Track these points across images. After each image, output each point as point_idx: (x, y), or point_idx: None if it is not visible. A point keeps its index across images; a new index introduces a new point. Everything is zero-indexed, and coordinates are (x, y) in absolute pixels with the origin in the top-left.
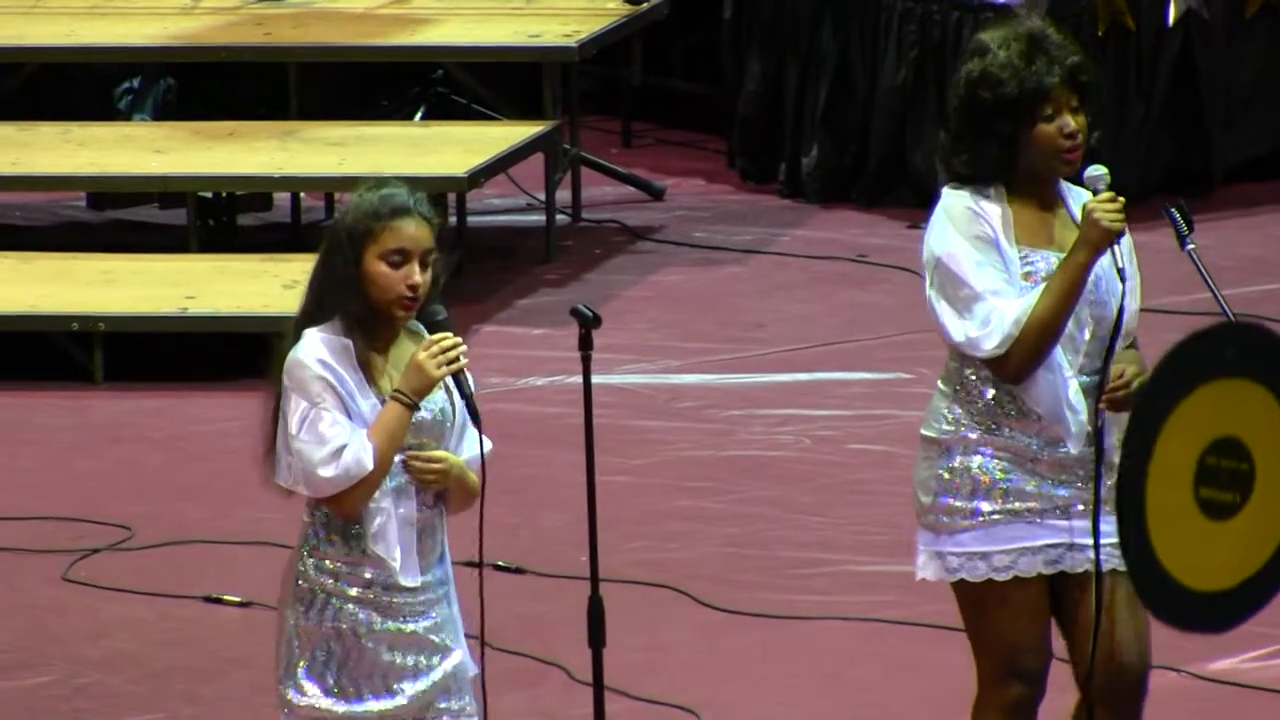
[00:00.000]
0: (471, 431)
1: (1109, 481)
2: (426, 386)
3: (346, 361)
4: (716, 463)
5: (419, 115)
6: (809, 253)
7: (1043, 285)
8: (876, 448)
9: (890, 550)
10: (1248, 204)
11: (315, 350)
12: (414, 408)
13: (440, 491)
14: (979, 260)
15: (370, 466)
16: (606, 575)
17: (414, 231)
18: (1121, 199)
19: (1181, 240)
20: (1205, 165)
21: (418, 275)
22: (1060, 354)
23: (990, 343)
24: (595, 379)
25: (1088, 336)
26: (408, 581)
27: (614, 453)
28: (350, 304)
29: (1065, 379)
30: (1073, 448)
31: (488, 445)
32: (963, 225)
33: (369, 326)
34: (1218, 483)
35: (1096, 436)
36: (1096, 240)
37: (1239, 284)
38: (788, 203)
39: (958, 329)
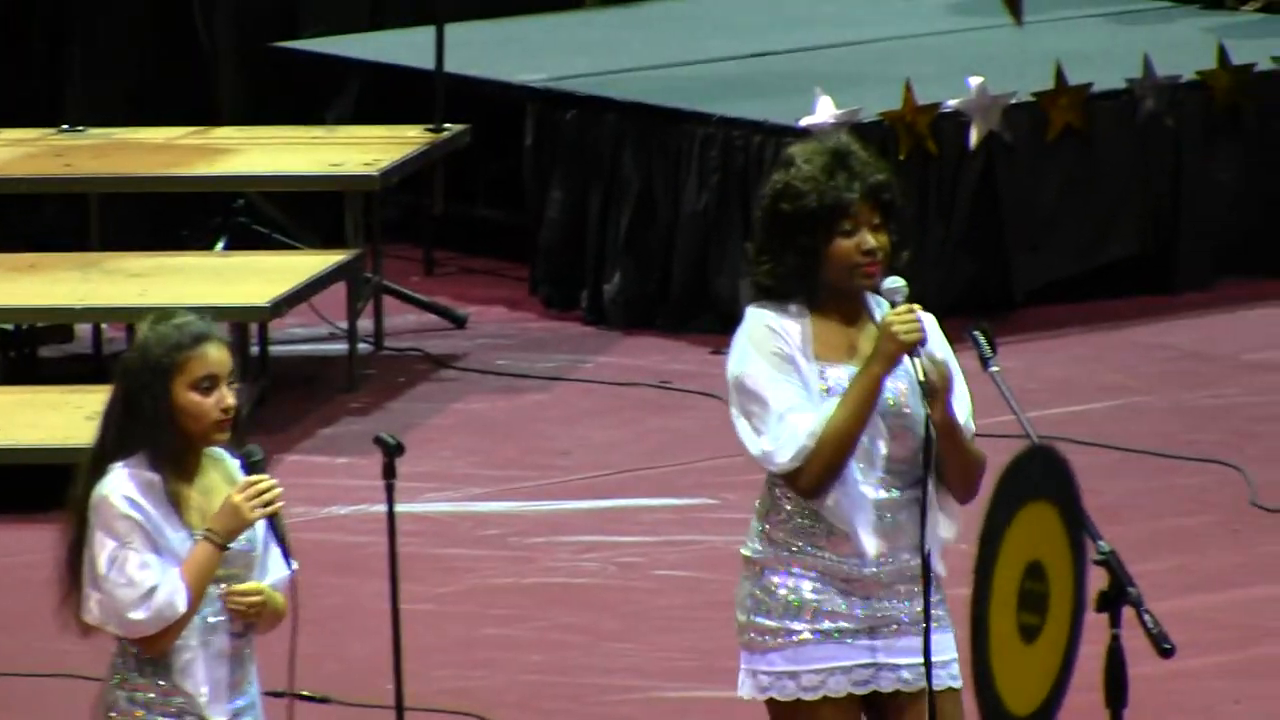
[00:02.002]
0: (275, 552)
1: (935, 597)
2: (240, 528)
3: (155, 497)
4: (522, 590)
5: (221, 245)
6: (613, 379)
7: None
8: (682, 573)
9: (698, 676)
10: (1052, 326)
11: (122, 487)
12: (224, 548)
13: (251, 620)
14: (775, 377)
15: (183, 609)
16: (412, 704)
17: (217, 355)
18: (918, 307)
19: (985, 362)
20: (1006, 287)
21: (229, 398)
22: (854, 468)
23: (784, 455)
24: (399, 507)
25: (883, 450)
26: (216, 715)
27: (419, 581)
28: (163, 439)
29: (860, 493)
30: (865, 566)
31: (294, 566)
32: (761, 343)
33: (179, 459)
34: (1029, 606)
35: (923, 553)
36: (891, 353)
37: (1044, 406)
38: (591, 329)
39: (755, 444)
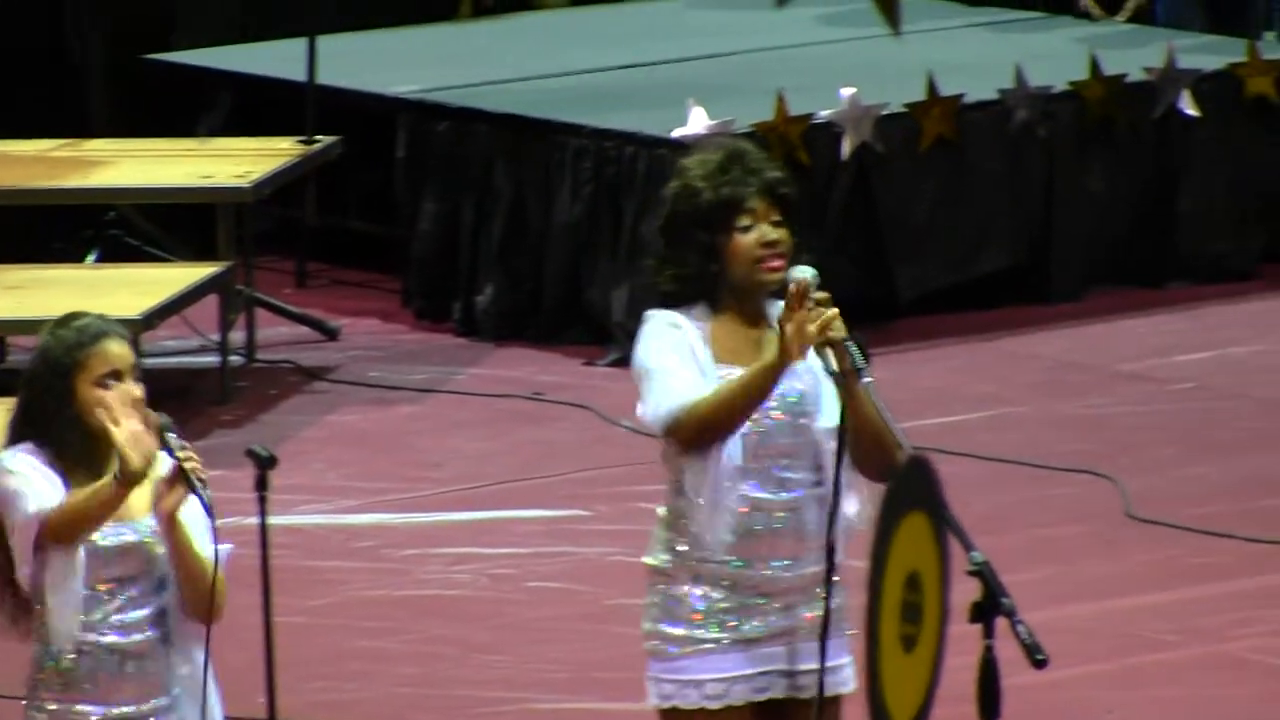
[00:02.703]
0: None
1: (835, 603)
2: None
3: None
4: (394, 602)
5: (93, 257)
6: (485, 391)
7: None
8: (554, 585)
9: (571, 687)
10: (925, 336)
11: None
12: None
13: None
14: (668, 352)
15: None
16: (285, 717)
17: (118, 350)
18: (829, 296)
19: (858, 373)
20: (881, 297)
21: (135, 390)
22: (746, 468)
23: (665, 408)
24: (272, 519)
25: (784, 449)
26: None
27: (291, 593)
28: (70, 438)
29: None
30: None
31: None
32: (662, 334)
33: (89, 457)
34: (908, 617)
35: (829, 555)
36: (797, 350)
37: (917, 416)
38: (463, 341)
39: (642, 410)
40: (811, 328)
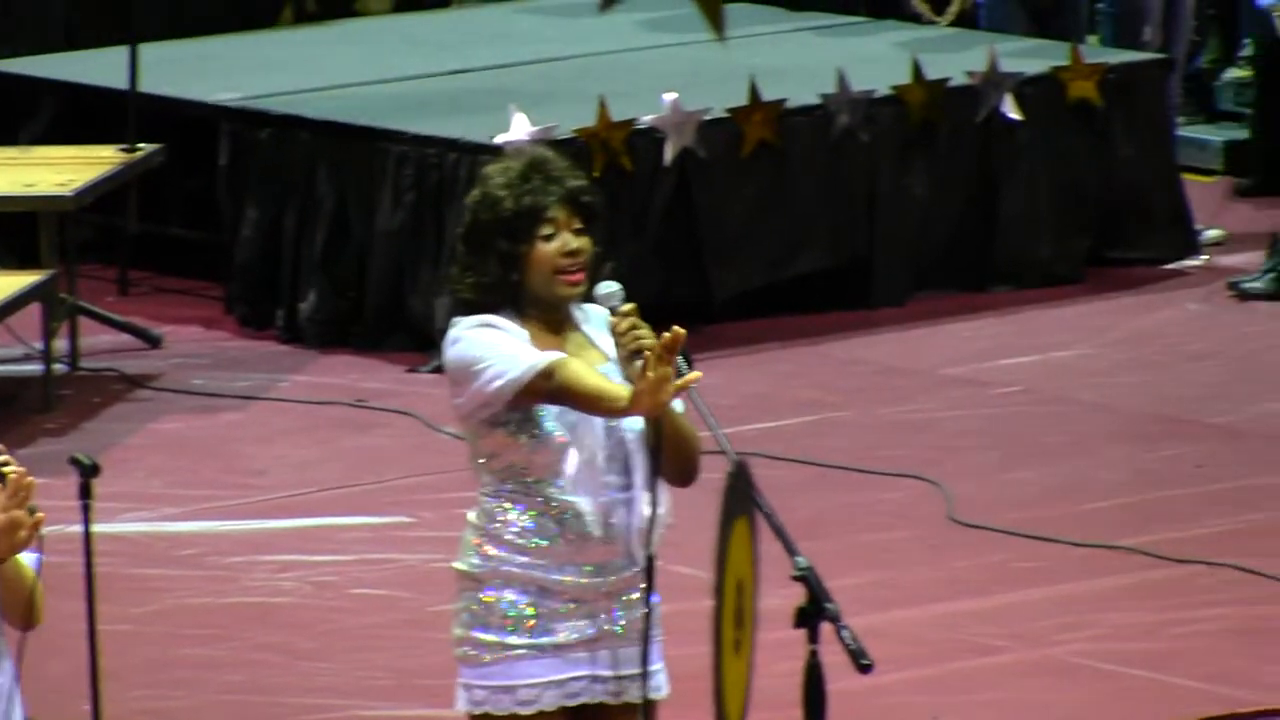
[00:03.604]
0: None
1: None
2: None
3: None
4: (219, 609)
5: None
6: (309, 398)
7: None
8: (379, 592)
9: (396, 694)
10: (749, 341)
11: None
12: None
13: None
14: (508, 337)
15: None
16: None
17: None
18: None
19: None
20: (701, 300)
21: None
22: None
23: (524, 365)
24: (95, 527)
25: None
26: None
27: (115, 601)
28: None
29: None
30: (585, 576)
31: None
32: (483, 330)
33: None
34: (738, 621)
35: (648, 565)
36: (649, 407)
37: (741, 421)
38: (286, 348)
39: (486, 385)
40: (668, 390)
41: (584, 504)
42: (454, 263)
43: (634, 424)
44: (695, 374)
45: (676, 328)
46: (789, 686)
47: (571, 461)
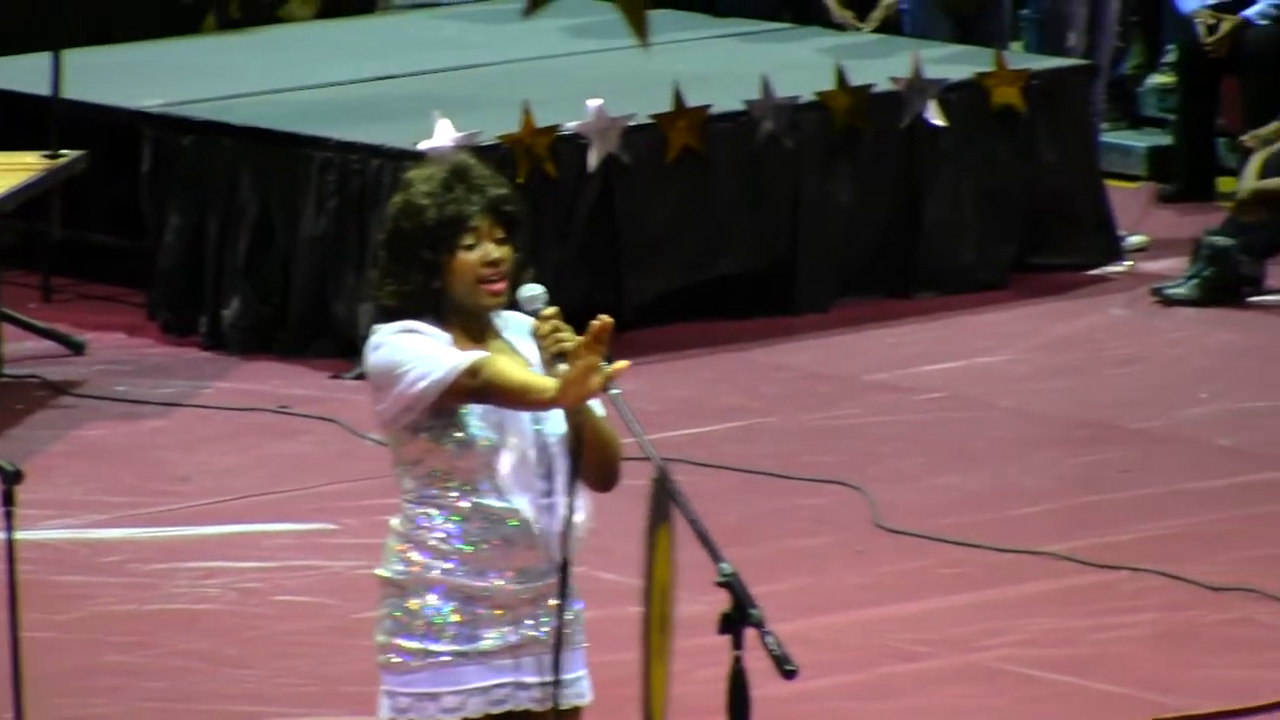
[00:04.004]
0: None
1: (570, 615)
2: None
3: None
4: (142, 616)
5: None
6: (232, 404)
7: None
8: (303, 599)
9: (320, 701)
10: (674, 347)
11: None
12: None
13: None
14: (431, 341)
15: None
16: None
17: None
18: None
19: (605, 388)
20: (618, 304)
21: None
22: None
23: (447, 365)
24: (18, 535)
25: (532, 456)
26: None
27: (38, 608)
28: None
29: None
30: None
31: None
32: (405, 336)
33: None
34: (663, 628)
35: (563, 571)
36: (577, 397)
37: (666, 428)
38: (210, 355)
39: (411, 387)
40: (596, 379)
41: (520, 503)
42: (376, 270)
43: (556, 428)
44: (622, 363)
45: (604, 316)
46: (713, 693)
47: (504, 462)
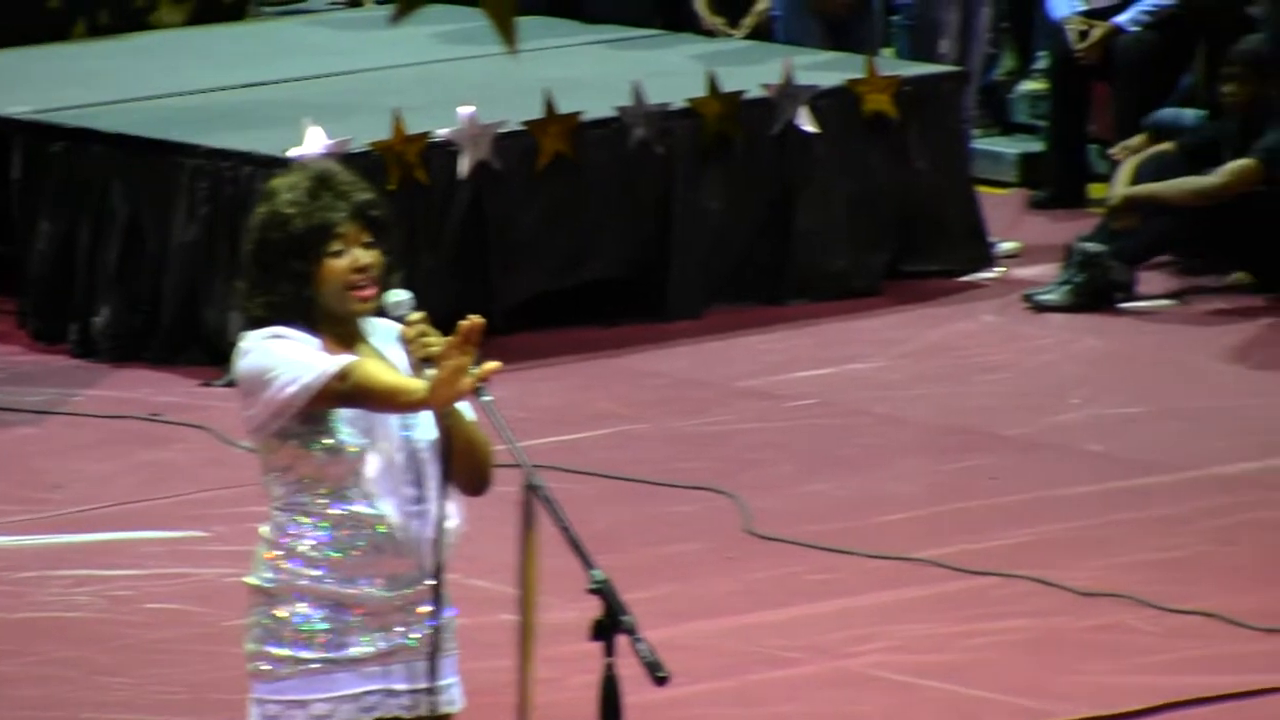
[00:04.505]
0: None
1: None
2: None
3: None
4: (12, 625)
5: None
6: (103, 412)
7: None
8: (174, 606)
9: (190, 708)
10: (545, 354)
11: None
12: None
13: None
14: (300, 346)
15: None
16: None
17: None
18: (426, 316)
19: (477, 391)
20: (489, 310)
21: None
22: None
23: (317, 370)
24: None
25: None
26: None
27: None
28: None
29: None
30: (379, 590)
31: None
32: (273, 341)
33: None
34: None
35: (436, 577)
36: (447, 398)
37: (537, 435)
38: (80, 362)
39: (281, 392)
40: (467, 380)
41: (387, 508)
42: (244, 281)
43: (426, 434)
44: (493, 364)
45: (474, 317)
46: (586, 699)
47: (371, 466)
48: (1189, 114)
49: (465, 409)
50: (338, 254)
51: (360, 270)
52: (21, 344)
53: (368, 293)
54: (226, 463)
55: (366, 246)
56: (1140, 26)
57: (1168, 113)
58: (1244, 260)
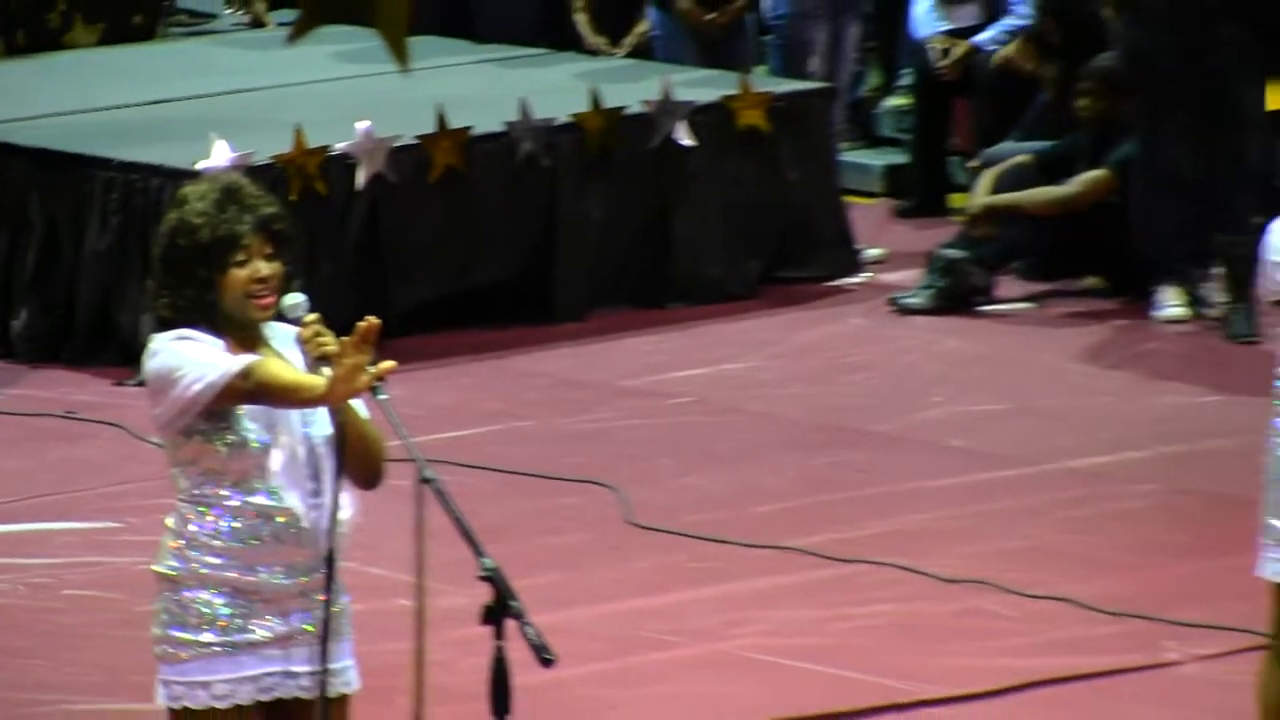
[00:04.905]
0: None
1: (336, 608)
2: None
3: None
4: None
5: None
6: (20, 410)
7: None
8: (89, 593)
9: (105, 689)
10: (438, 355)
11: None
12: None
13: None
14: (206, 347)
15: None
16: None
17: None
18: (320, 317)
19: (374, 390)
20: (385, 314)
21: None
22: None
23: (221, 369)
24: None
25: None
26: None
27: None
28: None
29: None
30: (278, 578)
31: None
32: (181, 343)
33: None
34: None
35: (329, 564)
36: (345, 394)
37: (430, 431)
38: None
39: (186, 391)
40: (363, 378)
41: (291, 500)
42: (153, 282)
43: (322, 430)
44: (388, 363)
45: (371, 318)
46: (476, 680)
47: (275, 461)
48: (1025, 146)
49: (359, 406)
50: (241, 264)
51: (261, 280)
52: None
53: (267, 301)
54: (139, 458)
55: (268, 258)
56: (998, 45)
57: (1005, 147)
58: (1097, 266)
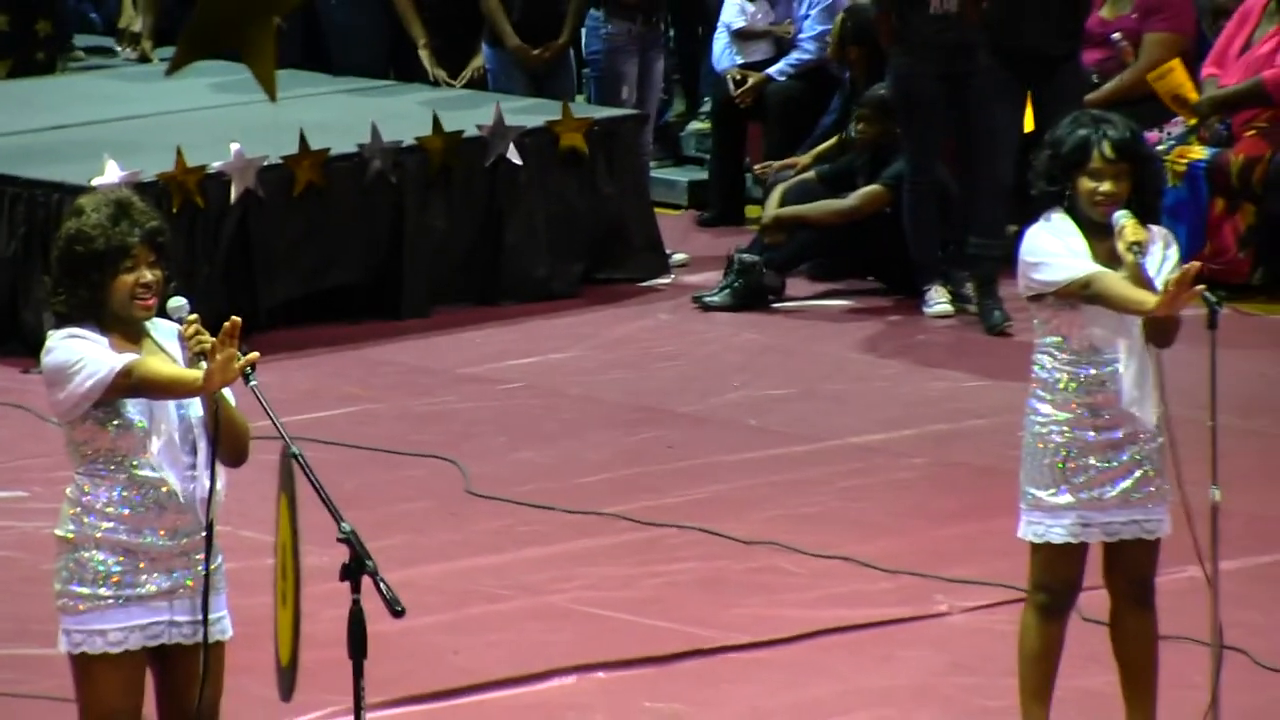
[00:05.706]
0: None
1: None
2: None
3: None
4: None
5: None
6: None
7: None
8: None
9: (14, 636)
10: (301, 346)
11: None
12: None
13: None
14: (95, 345)
15: None
16: None
17: None
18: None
19: (246, 378)
20: (254, 310)
21: None
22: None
23: (106, 366)
24: None
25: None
26: None
27: None
28: None
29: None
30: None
31: None
32: (73, 340)
33: None
34: (284, 575)
35: (208, 529)
36: (220, 382)
37: (294, 413)
38: None
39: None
40: (236, 366)
41: (170, 476)
42: (50, 281)
43: (196, 412)
44: (255, 355)
45: (234, 318)
46: (336, 630)
47: (155, 442)
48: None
49: (228, 394)
50: (129, 270)
51: (145, 285)
52: None
53: (149, 303)
54: (42, 436)
55: (151, 266)
56: (786, 77)
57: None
58: (874, 268)
